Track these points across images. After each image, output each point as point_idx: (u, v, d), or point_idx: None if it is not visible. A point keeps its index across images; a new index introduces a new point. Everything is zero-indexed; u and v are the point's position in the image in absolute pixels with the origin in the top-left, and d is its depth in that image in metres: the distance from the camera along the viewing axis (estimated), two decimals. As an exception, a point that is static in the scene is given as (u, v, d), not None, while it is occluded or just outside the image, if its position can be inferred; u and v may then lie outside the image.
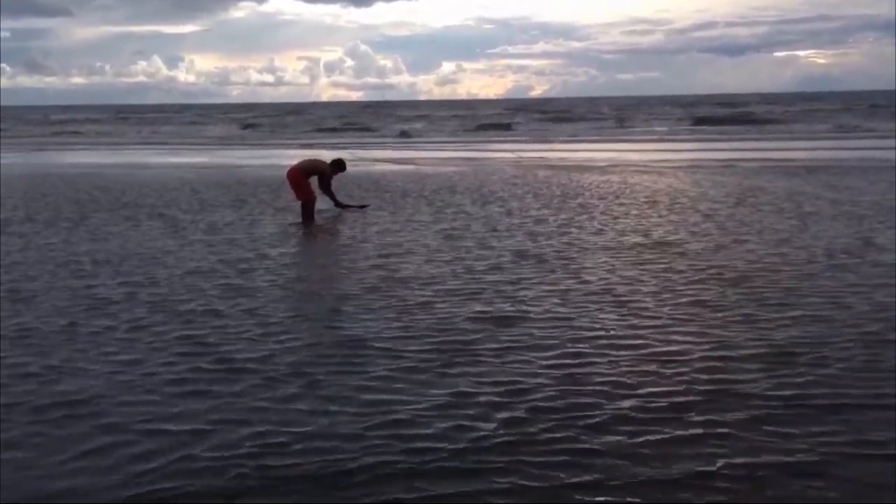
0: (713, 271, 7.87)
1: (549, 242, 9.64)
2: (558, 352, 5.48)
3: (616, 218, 11.64)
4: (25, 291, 7.46)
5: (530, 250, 9.13)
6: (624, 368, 5.12)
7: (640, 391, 4.74)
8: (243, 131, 53.35)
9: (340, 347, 5.63)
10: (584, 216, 11.84)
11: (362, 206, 13.29)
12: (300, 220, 12.30)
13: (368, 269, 8.30)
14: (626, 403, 4.56)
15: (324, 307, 6.82)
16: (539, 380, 4.95)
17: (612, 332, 5.89)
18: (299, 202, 12.72)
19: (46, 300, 7.14)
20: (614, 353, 5.44)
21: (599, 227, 10.84)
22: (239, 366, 5.29)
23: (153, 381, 5.05)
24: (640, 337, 5.78)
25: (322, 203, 12.95)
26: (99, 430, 4.31)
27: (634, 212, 12.28)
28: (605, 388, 4.79)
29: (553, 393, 4.73)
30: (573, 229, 10.63)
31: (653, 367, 5.12)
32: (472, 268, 8.21)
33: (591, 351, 5.47)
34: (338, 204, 13.18)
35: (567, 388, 4.79)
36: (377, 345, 5.69)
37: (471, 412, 4.46)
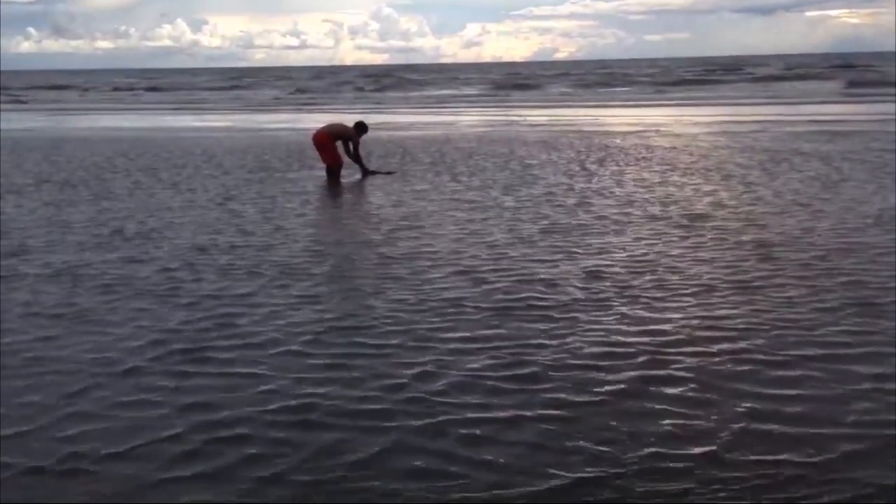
0: (753, 246, 7.53)
1: (576, 214, 9.21)
2: (598, 339, 5.07)
3: (649, 187, 11.30)
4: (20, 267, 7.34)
5: (558, 223, 8.70)
6: (669, 360, 4.80)
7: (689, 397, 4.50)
8: (291, 95, 52.19)
9: (361, 335, 5.23)
10: (614, 184, 11.51)
11: (389, 173, 13.10)
12: (326, 183, 12.20)
13: (390, 242, 7.89)
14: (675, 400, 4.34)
15: (347, 285, 6.62)
16: (565, 374, 4.71)
17: (651, 318, 5.44)
18: (325, 165, 12.66)
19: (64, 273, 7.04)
20: (655, 341, 5.15)
21: (630, 196, 10.40)
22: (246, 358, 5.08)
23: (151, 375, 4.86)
24: (682, 323, 5.44)
25: (347, 167, 12.80)
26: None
27: (669, 180, 11.94)
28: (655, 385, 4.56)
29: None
30: (602, 199, 10.23)
31: (698, 361, 4.75)
32: (496, 243, 7.76)
33: (633, 340, 5.02)
34: (365, 170, 13.01)
35: (619, 394, 4.45)
36: (394, 330, 5.41)
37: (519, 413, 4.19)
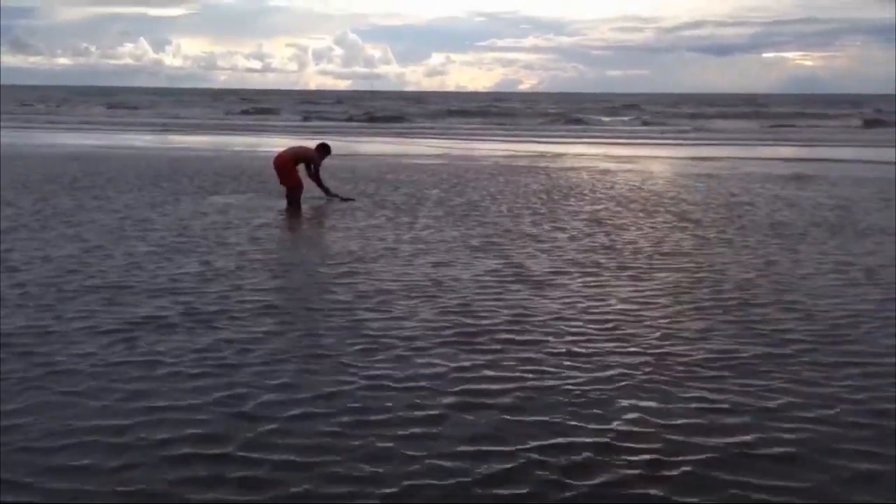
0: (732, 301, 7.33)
1: (538, 259, 8.44)
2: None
3: (613, 228, 11.20)
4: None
5: (520, 268, 7.98)
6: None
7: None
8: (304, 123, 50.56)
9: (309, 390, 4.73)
10: (575, 222, 11.28)
11: (348, 199, 12.88)
12: (286, 207, 11.99)
13: (343, 279, 7.39)
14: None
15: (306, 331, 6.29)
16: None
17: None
18: (285, 188, 12.39)
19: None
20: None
21: (600, 239, 9.82)
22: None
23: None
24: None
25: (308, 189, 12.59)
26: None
27: (637, 222, 11.90)
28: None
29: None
30: (563, 241, 9.56)
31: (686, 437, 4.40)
32: (453, 288, 7.10)
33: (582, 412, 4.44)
34: (327, 192, 12.84)
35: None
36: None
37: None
